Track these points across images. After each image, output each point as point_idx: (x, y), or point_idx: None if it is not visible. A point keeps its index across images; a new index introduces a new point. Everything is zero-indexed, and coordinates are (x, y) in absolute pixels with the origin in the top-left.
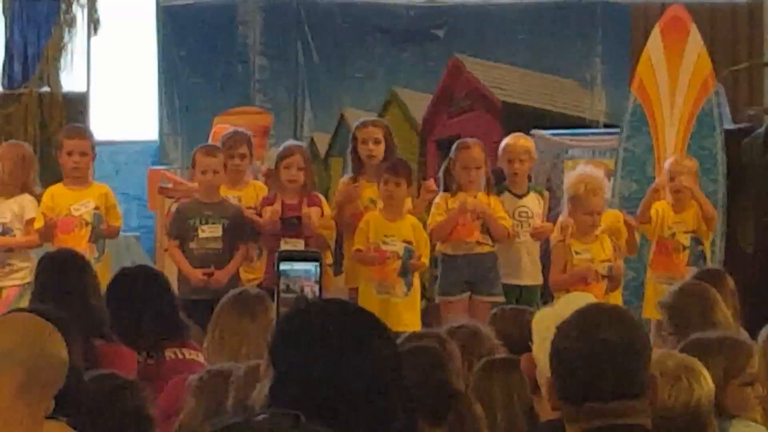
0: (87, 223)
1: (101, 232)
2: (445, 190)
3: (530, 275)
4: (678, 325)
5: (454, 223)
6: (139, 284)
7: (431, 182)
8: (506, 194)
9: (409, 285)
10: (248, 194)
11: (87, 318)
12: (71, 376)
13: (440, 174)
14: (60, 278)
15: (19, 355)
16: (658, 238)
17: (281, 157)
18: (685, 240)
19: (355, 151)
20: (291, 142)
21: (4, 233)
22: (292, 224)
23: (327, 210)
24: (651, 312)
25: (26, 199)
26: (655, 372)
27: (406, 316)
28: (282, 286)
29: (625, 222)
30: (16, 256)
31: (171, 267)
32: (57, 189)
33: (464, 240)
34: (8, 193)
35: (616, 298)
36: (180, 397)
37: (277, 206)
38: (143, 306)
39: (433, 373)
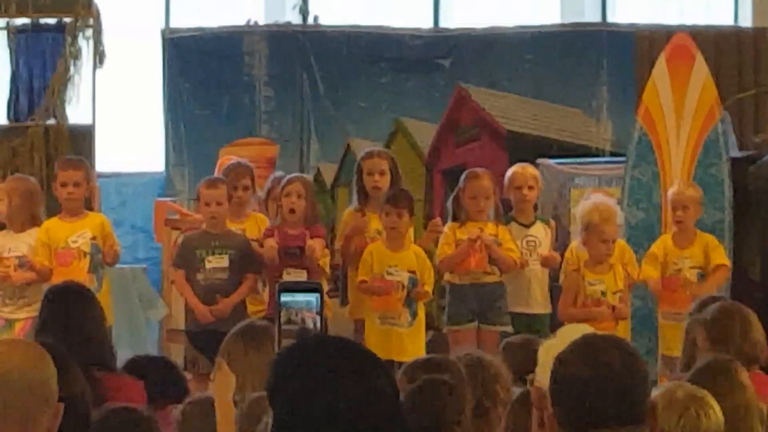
0: (85, 254)
1: (99, 262)
2: (454, 219)
3: (540, 304)
4: (717, 341)
5: (464, 255)
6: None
7: (438, 221)
8: (513, 224)
9: (414, 314)
10: (250, 226)
11: (88, 350)
12: (76, 407)
13: (449, 204)
14: (61, 311)
15: None
16: (664, 275)
17: (282, 186)
18: (692, 275)
19: (360, 182)
20: (288, 175)
21: (21, 266)
22: (293, 255)
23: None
24: (664, 348)
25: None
26: (663, 402)
27: (410, 346)
28: (283, 318)
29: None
30: (31, 288)
31: (178, 298)
32: (52, 223)
33: (472, 270)
34: (18, 227)
35: (625, 328)
36: None
37: (272, 242)
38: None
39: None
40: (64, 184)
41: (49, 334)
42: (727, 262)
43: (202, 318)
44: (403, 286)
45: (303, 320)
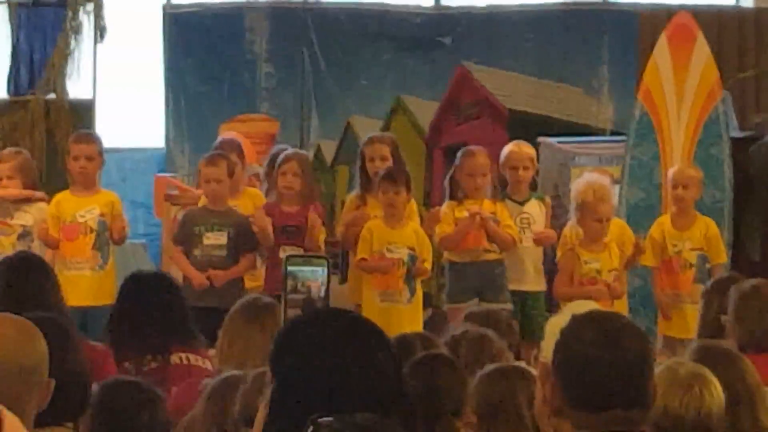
0: (92, 230)
1: (106, 240)
2: (451, 197)
3: (534, 281)
4: (742, 318)
5: (464, 234)
6: (149, 288)
7: (437, 210)
8: (507, 201)
9: (413, 291)
10: (244, 203)
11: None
12: (75, 382)
13: (446, 182)
14: (18, 282)
15: None
16: (663, 258)
17: (278, 164)
18: (692, 257)
19: (362, 167)
20: (289, 149)
21: (24, 235)
22: (290, 232)
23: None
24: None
25: (44, 205)
26: (666, 380)
27: (408, 324)
28: (289, 287)
29: (635, 244)
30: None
31: (177, 274)
32: (63, 196)
33: (472, 248)
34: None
35: (622, 306)
36: (186, 404)
37: (265, 223)
38: (153, 309)
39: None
40: (76, 158)
41: (6, 305)
42: (725, 259)
43: (198, 284)
44: (403, 263)
45: (309, 289)
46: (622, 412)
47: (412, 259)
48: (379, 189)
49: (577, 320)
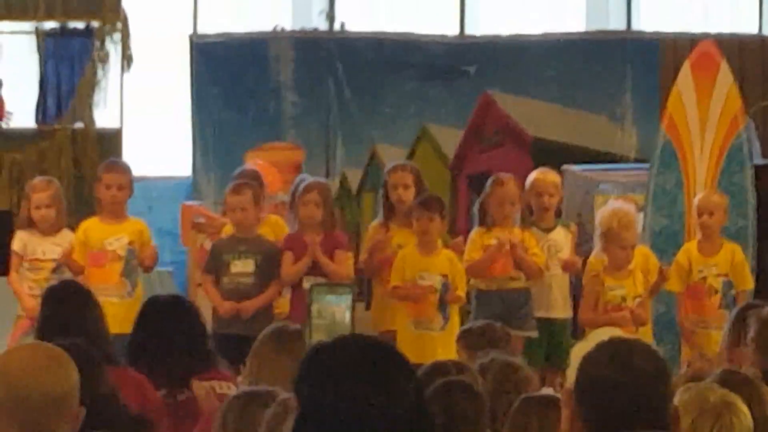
0: (120, 258)
1: (134, 267)
2: (480, 225)
3: (561, 308)
4: (763, 346)
5: (491, 261)
6: (167, 313)
7: (461, 240)
8: (533, 229)
9: (447, 319)
10: (264, 232)
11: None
12: (104, 407)
13: (475, 209)
14: (61, 309)
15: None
16: (689, 283)
17: (299, 194)
18: (717, 283)
19: (385, 195)
20: (311, 179)
21: (56, 270)
22: (313, 262)
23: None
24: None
25: (70, 235)
26: (695, 407)
27: (442, 351)
28: (314, 313)
29: (660, 270)
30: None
31: (203, 302)
32: (91, 223)
33: (498, 275)
34: (47, 230)
35: (646, 333)
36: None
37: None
38: (172, 336)
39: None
40: (108, 187)
41: (49, 333)
42: (751, 285)
43: (224, 312)
44: (436, 290)
45: (333, 315)
46: None
47: (445, 286)
48: (413, 216)
49: (595, 346)
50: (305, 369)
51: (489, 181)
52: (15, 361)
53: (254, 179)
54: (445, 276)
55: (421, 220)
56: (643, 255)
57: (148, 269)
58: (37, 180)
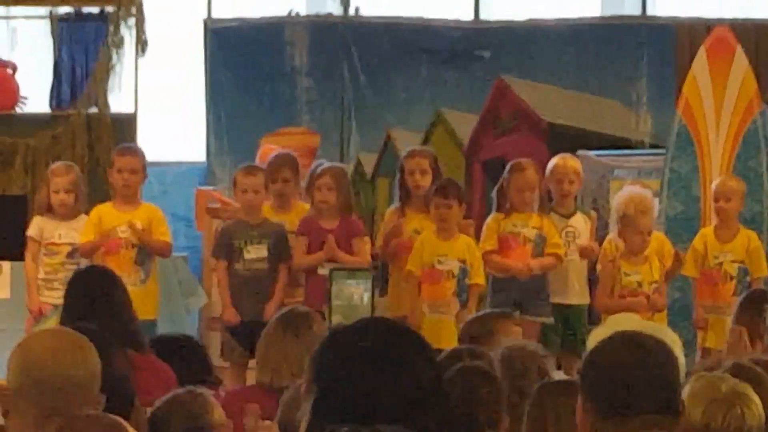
0: (133, 245)
1: (148, 255)
2: (498, 210)
3: (578, 294)
4: None
5: (507, 269)
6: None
7: (469, 224)
8: (552, 215)
9: (464, 304)
10: (292, 219)
11: (117, 331)
12: (119, 392)
13: (493, 194)
14: (88, 294)
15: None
16: (703, 269)
17: (313, 179)
18: (732, 269)
19: (402, 181)
20: (327, 164)
21: (72, 254)
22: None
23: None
24: (703, 340)
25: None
26: (707, 396)
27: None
28: (333, 294)
29: (675, 255)
30: (64, 274)
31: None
32: (105, 208)
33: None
34: (64, 215)
35: (662, 319)
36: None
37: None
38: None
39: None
40: (120, 171)
41: (75, 317)
42: (766, 272)
43: (227, 321)
44: (453, 275)
45: (352, 296)
46: (652, 417)
47: (464, 272)
48: (432, 203)
49: (598, 342)
50: (324, 352)
51: (508, 167)
52: (36, 345)
53: (289, 164)
54: (463, 261)
55: (439, 208)
56: (658, 240)
57: (161, 255)
58: (58, 165)
